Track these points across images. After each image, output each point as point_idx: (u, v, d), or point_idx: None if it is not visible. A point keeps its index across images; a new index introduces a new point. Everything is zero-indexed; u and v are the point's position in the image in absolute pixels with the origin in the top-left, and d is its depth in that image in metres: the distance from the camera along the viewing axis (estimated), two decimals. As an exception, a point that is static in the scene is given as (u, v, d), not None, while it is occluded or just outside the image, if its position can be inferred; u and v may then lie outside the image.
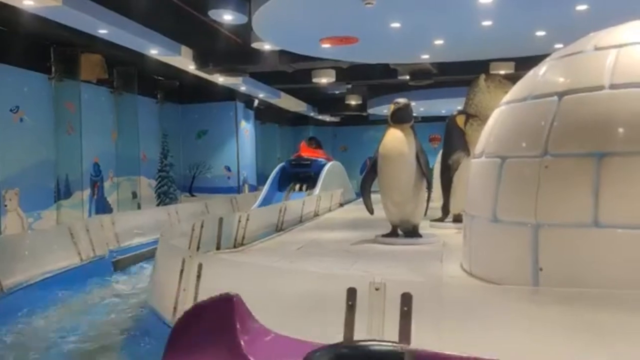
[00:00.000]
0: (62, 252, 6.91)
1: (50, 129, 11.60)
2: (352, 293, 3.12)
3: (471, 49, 10.77)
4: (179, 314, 4.05)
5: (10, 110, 10.61)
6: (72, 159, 12.05)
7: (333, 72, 14.19)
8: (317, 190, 14.58)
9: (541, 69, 4.86)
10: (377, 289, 3.00)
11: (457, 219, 8.41)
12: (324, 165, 15.97)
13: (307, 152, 16.78)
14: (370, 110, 20.89)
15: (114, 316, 5.15)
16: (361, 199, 8.49)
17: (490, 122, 5.19)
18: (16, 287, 5.84)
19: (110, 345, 4.36)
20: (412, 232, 7.62)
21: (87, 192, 12.63)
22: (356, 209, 12.54)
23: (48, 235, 7.59)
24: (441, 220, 9.22)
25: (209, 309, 1.68)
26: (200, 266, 3.93)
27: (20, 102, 10.81)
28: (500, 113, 5.04)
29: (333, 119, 25.68)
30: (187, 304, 3.97)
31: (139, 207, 14.21)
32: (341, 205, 15.33)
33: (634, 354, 2.72)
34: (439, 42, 10.31)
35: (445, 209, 9.24)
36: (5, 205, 10.21)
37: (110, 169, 13.81)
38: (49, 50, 11.52)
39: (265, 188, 15.30)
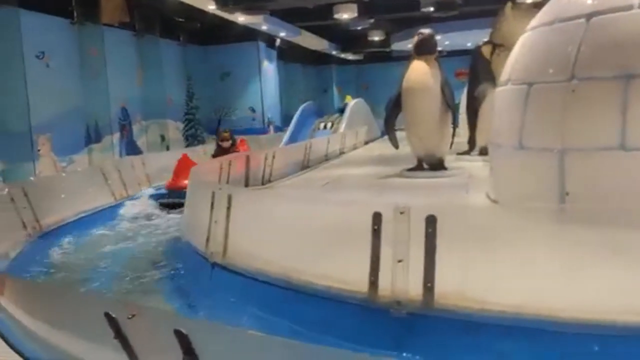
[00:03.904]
0: (96, 192, 7.13)
1: (76, 74, 11.71)
2: (377, 218, 3.21)
3: (498, -24, 10.41)
4: (211, 245, 4.21)
5: (36, 57, 10.71)
6: (99, 103, 12.23)
7: (354, 6, 13.90)
8: (342, 128, 14.59)
9: (569, -9, 4.71)
10: (401, 213, 3.07)
11: (484, 152, 8.37)
12: None
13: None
14: (394, 46, 20.50)
15: (151, 248, 5.38)
16: (386, 137, 8.48)
17: (516, 48, 5.09)
18: (54, 225, 6.08)
19: (148, 273, 4.58)
20: (437, 165, 7.64)
21: (116, 136, 12.87)
22: (381, 146, 12.54)
23: (81, 176, 7.82)
24: (467, 153, 9.21)
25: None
26: (229, 198, 4.04)
27: (45, 47, 10.89)
28: (527, 38, 4.94)
29: (356, 56, 25.30)
30: (219, 235, 4.12)
31: (167, 150, 14.43)
32: (366, 143, 15.35)
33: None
34: (464, -31, 9.99)
35: (472, 141, 9.20)
36: (39, 150, 10.49)
37: (138, 113, 13.97)
38: (69, -6, 11.51)
39: (291, 127, 15.35)
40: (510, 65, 5.07)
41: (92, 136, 12.09)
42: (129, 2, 12.67)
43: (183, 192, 7.13)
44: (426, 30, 7.39)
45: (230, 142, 9.41)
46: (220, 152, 9.23)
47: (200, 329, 1.82)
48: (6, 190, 5.91)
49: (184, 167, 8.20)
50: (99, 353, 2.18)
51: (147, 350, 1.95)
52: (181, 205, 6.86)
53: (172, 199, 7.69)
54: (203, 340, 1.74)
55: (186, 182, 7.33)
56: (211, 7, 13.12)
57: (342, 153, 12.40)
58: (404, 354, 2.94)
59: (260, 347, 1.67)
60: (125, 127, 13.39)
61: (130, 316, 1.97)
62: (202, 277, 4.13)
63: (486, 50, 8.85)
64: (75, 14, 11.64)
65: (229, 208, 4.03)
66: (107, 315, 2.05)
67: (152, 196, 7.95)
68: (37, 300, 2.64)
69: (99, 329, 2.05)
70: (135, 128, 13.83)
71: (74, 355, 2.35)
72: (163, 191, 8.07)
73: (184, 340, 1.75)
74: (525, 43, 4.94)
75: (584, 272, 2.91)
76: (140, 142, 13.99)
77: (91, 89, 12.01)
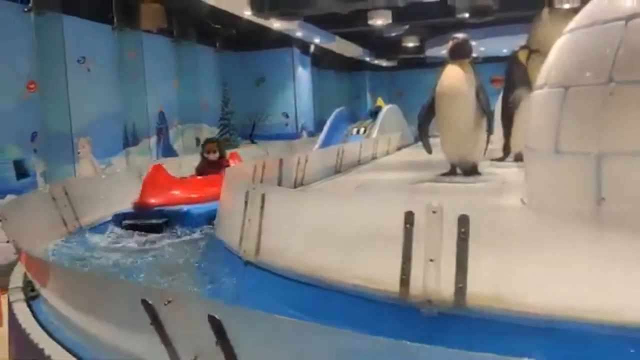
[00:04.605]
0: (133, 193, 7.27)
1: (116, 79, 12.01)
2: (409, 216, 3.22)
3: (535, -19, 10.30)
4: (244, 243, 4.27)
5: (78, 61, 11.02)
6: (137, 107, 12.52)
7: (389, 12, 13.92)
8: (374, 133, 14.58)
9: (608, -6, 4.65)
10: (434, 212, 3.07)
11: (519, 158, 8.28)
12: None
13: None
14: (428, 52, 20.44)
15: (183, 245, 5.48)
16: (419, 143, 8.47)
17: (553, 51, 5.04)
18: (93, 224, 6.24)
19: (180, 271, 4.67)
20: (471, 170, 7.59)
21: (153, 139, 13.14)
22: (414, 153, 12.51)
23: (120, 177, 8.01)
24: (502, 159, 9.11)
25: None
26: (263, 197, 4.09)
27: (86, 52, 11.20)
28: (564, 41, 4.89)
29: (389, 63, 25.29)
30: (252, 234, 4.17)
31: (202, 153, 14.65)
32: (399, 149, 15.31)
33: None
34: (500, -26, 9.93)
35: (507, 148, 9.11)
36: (79, 152, 10.78)
37: (175, 117, 14.25)
38: (110, 0, 11.82)
39: (324, 132, 15.40)
40: (547, 68, 5.02)
41: (130, 139, 12.37)
42: (167, 9, 12.95)
43: (153, 211, 5.98)
44: (460, 35, 7.38)
45: (217, 154, 7.73)
46: (204, 165, 7.72)
47: (233, 315, 1.86)
48: (48, 189, 6.11)
49: (155, 180, 6.58)
50: (135, 339, 2.24)
51: (182, 336, 2.00)
52: (149, 227, 5.75)
53: (137, 220, 5.95)
54: (236, 326, 1.78)
55: (157, 199, 6.20)
56: (247, 13, 13.32)
57: (374, 158, 12.40)
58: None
59: (294, 333, 1.70)
60: (162, 130, 13.68)
61: (166, 302, 2.03)
62: (235, 275, 4.19)
63: (522, 56, 8.77)
64: (115, 20, 11.96)
65: (262, 207, 4.08)
66: (144, 302, 2.12)
67: (116, 216, 6.11)
68: (77, 288, 2.72)
69: (135, 316, 2.12)
70: (171, 132, 14.12)
71: (109, 343, 2.42)
72: (129, 210, 6.22)
73: (217, 325, 1.80)
74: (563, 46, 4.89)
75: (619, 275, 2.86)
76: (176, 145, 14.26)
77: (130, 94, 12.30)
